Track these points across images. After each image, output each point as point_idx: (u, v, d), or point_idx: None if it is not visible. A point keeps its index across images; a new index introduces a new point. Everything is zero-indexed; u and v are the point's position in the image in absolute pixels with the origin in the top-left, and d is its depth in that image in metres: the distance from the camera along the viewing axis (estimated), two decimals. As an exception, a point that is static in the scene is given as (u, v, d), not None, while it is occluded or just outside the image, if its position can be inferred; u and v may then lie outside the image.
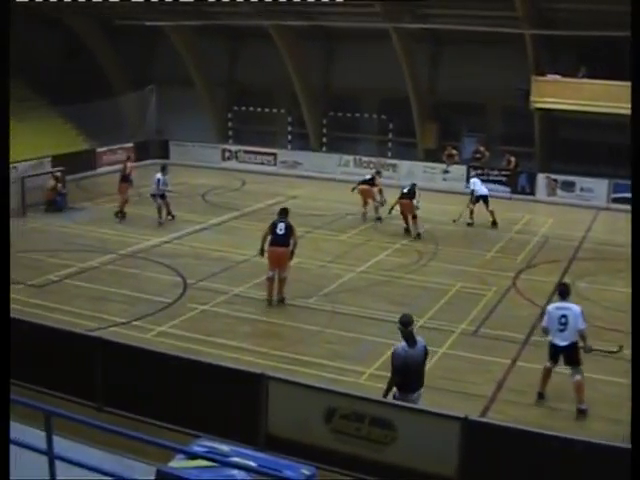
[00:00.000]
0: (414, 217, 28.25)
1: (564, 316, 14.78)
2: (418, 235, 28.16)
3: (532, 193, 36.40)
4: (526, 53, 35.11)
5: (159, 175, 29.04)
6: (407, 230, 28.66)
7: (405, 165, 39.10)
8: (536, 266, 24.97)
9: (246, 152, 43.29)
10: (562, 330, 14.79)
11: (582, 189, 35.42)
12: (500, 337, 18.33)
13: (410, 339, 12.64)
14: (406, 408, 12.28)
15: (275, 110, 44.78)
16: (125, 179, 30.79)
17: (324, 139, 43.32)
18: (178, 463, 8.94)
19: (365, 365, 16.68)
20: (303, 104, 42.02)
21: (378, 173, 32.30)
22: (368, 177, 31.74)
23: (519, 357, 17.45)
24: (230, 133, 46.14)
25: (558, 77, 34.86)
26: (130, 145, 43.06)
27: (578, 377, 14.80)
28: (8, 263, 8.91)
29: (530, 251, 26.80)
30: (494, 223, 30.52)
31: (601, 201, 34.37)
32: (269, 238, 20.60)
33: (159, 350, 14.61)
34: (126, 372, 14.12)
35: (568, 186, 35.71)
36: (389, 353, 16.77)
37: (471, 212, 30.65)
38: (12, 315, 16.61)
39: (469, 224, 30.64)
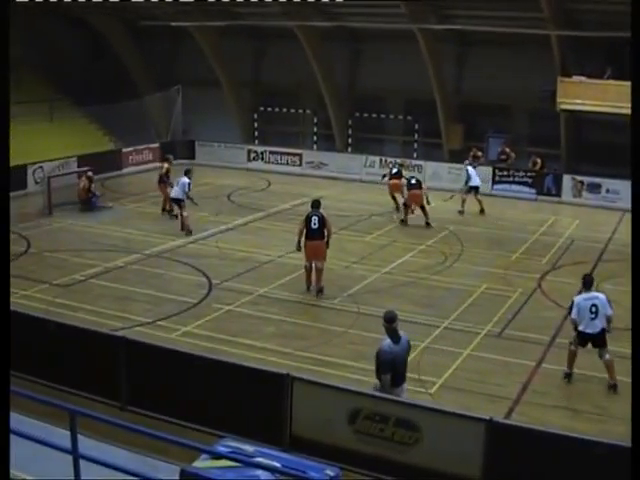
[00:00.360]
0: (421, 207, 30.00)
1: (594, 305, 15.59)
2: (402, 222, 30.26)
3: (558, 194, 36.20)
4: (552, 54, 34.97)
5: (185, 179, 28.21)
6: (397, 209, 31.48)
7: (430, 166, 39.01)
8: (561, 268, 24.87)
9: (272, 153, 43.33)
10: (593, 319, 15.60)
11: (608, 191, 35.19)
12: (525, 339, 18.26)
13: (395, 335, 12.86)
14: (431, 409, 12.29)
15: (301, 111, 44.81)
16: (162, 180, 30.72)
17: (350, 140, 43.28)
18: (202, 463, 8.98)
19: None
20: (329, 105, 42.03)
21: (402, 166, 32.60)
22: (395, 171, 31.90)
23: (544, 359, 17.38)
24: (256, 134, 46.15)
25: (584, 78, 34.69)
26: (156, 145, 43.31)
27: (608, 357, 15.69)
28: (8, 263, 8.98)
29: (555, 253, 26.68)
30: (482, 211, 32.56)
31: (627, 203, 33.58)
32: (304, 232, 21.27)
33: (184, 350, 14.63)
34: (150, 372, 14.16)
35: (594, 188, 35.52)
36: (413, 355, 16.85)
37: (463, 201, 32.62)
38: (37, 314, 16.87)
39: (460, 212, 32.45)
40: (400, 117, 42.10)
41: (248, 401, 13.16)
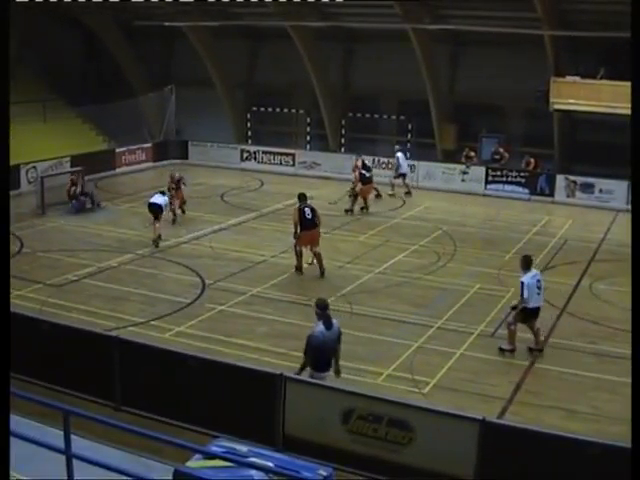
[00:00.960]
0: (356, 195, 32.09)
1: (539, 280, 17.27)
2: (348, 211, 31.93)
3: (551, 194, 36.19)
4: (546, 54, 35.03)
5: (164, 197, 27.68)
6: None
7: (424, 166, 38.98)
8: (555, 267, 24.88)
9: (265, 153, 43.28)
10: (539, 293, 17.25)
11: (601, 191, 35.20)
12: (518, 339, 18.23)
13: (327, 322, 13.56)
14: (424, 409, 12.29)
15: (294, 111, 44.82)
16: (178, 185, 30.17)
17: (343, 140, 43.31)
18: (195, 463, 8.97)
19: (382, 366, 16.69)
20: (322, 105, 42.03)
21: (366, 168, 33.22)
22: (368, 175, 32.61)
23: (537, 359, 17.41)
24: (249, 134, 46.18)
25: (578, 78, 34.74)
26: (149, 145, 43.28)
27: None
28: (8, 262, 8.97)
29: (549, 253, 26.70)
30: (408, 193, 35.74)
31: (620, 203, 34.04)
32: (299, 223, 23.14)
33: (177, 350, 14.63)
34: (144, 372, 14.17)
35: (587, 188, 35.53)
36: (406, 354, 16.87)
37: (392, 186, 35.67)
38: (31, 314, 16.87)
39: (390, 195, 35.24)
40: (393, 117, 42.13)
41: (242, 401, 13.17)
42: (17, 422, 10.91)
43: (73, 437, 9.02)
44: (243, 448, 9.41)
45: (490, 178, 37.36)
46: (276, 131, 45.25)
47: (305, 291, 21.42)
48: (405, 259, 25.34)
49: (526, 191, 36.58)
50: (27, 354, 15.37)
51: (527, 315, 17.25)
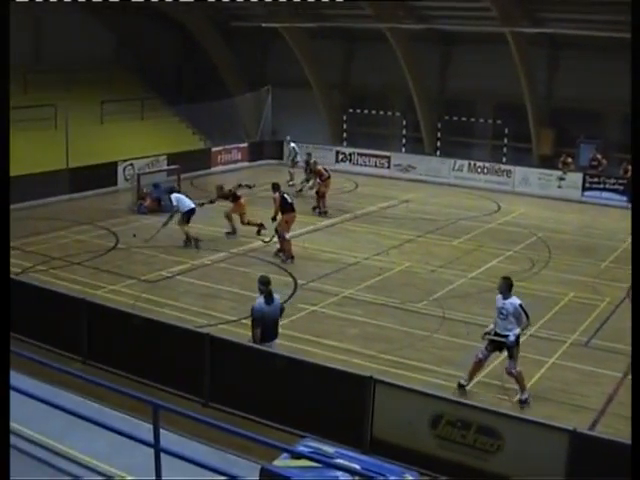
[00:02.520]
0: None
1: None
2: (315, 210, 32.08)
3: (650, 202, 35.47)
4: (647, 59, 34.36)
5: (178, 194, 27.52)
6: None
7: (520, 171, 38.61)
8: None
9: (360, 155, 43.35)
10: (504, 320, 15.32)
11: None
12: (612, 349, 17.96)
13: (268, 297, 14.61)
14: (514, 417, 12.18)
15: (390, 113, 44.74)
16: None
17: (438, 143, 43.04)
18: (282, 462, 9.03)
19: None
20: (418, 107, 41.89)
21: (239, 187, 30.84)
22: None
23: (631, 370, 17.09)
24: (344, 135, 46.21)
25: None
26: (245, 145, 43.71)
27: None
28: (8, 262, 9.11)
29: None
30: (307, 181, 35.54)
31: None
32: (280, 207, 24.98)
33: (267, 349, 14.72)
34: (233, 369, 14.30)
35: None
36: (497, 362, 16.72)
37: (291, 175, 37.85)
38: (124, 309, 17.17)
39: (290, 185, 36.23)
40: (490, 121, 41.73)
41: (330, 402, 13.22)
42: (107, 414, 11.15)
43: (162, 431, 9.14)
44: (330, 449, 9.44)
45: (587, 185, 36.81)
46: (372, 133, 45.23)
47: (397, 294, 21.38)
48: (498, 265, 25.08)
49: (624, 198, 35.80)
50: (119, 348, 15.69)
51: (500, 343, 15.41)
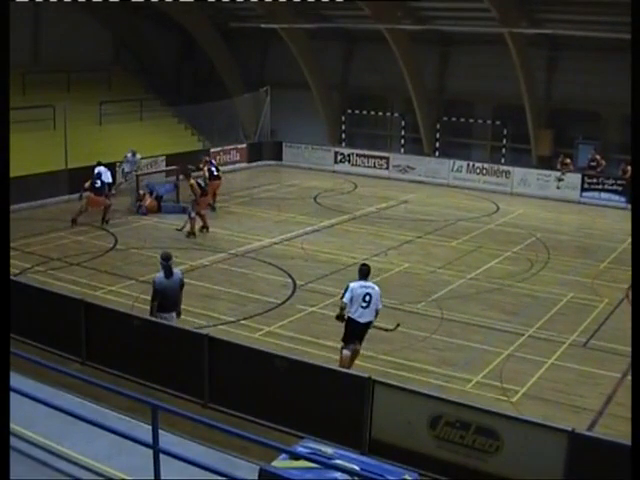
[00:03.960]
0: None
1: (368, 294, 15.48)
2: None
3: (649, 203, 35.48)
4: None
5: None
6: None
7: (519, 172, 38.58)
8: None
9: (359, 155, 43.28)
10: (365, 307, 15.50)
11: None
12: (610, 350, 17.98)
13: (168, 271, 15.79)
14: (512, 418, 12.17)
15: (389, 114, 44.80)
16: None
17: (437, 144, 43.04)
18: (281, 463, 9.05)
19: (472, 373, 16.57)
20: (417, 108, 41.82)
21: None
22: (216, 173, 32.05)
23: (629, 371, 17.10)
24: (343, 136, 46.21)
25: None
26: (243, 146, 43.65)
27: (358, 347, 15.82)
28: (8, 261, 9.12)
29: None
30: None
31: None
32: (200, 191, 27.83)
33: (266, 350, 14.73)
34: (233, 370, 14.30)
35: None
36: (496, 362, 16.73)
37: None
38: (123, 310, 17.18)
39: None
40: (488, 122, 41.72)
41: (329, 403, 13.20)
42: (106, 415, 11.16)
43: (161, 432, 9.15)
44: (329, 450, 9.46)
45: (586, 185, 36.78)
46: (370, 134, 45.30)
47: (396, 295, 21.34)
48: (497, 266, 25.11)
49: (623, 199, 35.82)
50: (118, 349, 15.69)
51: (352, 328, 15.64)
